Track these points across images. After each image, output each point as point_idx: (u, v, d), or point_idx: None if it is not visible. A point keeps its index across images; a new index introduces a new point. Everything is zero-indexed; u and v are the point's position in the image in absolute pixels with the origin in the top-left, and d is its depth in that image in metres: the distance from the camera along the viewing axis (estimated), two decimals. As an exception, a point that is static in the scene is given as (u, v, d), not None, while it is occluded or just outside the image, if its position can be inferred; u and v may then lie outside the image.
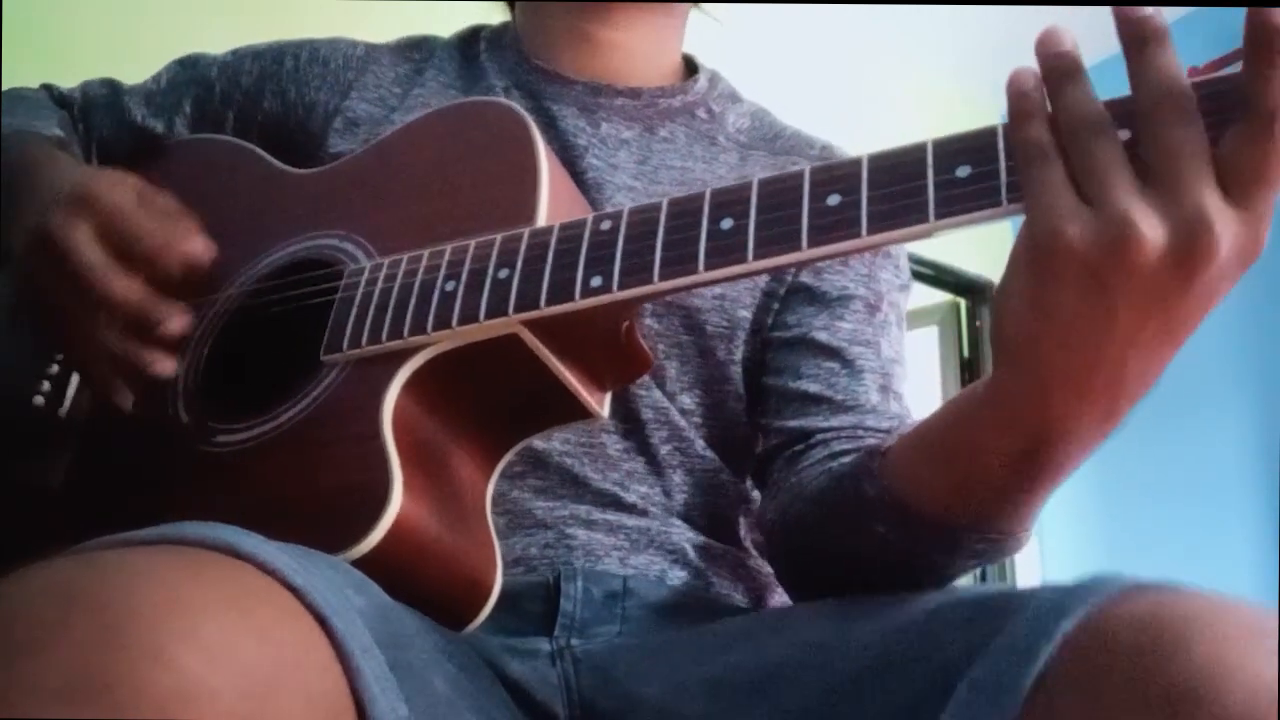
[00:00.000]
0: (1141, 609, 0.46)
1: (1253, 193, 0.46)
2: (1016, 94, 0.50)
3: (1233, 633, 0.43)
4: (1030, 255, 0.50)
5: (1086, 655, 0.46)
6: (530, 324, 0.63)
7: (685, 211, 0.60)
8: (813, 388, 0.77)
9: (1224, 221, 0.46)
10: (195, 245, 0.71)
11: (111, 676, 0.37)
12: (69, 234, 0.68)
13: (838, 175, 0.56)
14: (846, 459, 0.72)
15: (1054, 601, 0.49)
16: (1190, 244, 0.46)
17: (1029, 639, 0.48)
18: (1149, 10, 0.47)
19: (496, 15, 0.95)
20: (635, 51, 0.88)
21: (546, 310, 0.61)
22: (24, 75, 0.94)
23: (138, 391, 0.71)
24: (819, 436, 0.75)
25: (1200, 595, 0.47)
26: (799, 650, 0.62)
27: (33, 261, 0.70)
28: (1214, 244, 0.46)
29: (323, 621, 0.45)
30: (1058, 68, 0.49)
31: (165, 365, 0.69)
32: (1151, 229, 0.46)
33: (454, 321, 0.64)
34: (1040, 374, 0.52)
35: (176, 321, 0.69)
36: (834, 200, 0.55)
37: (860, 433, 0.75)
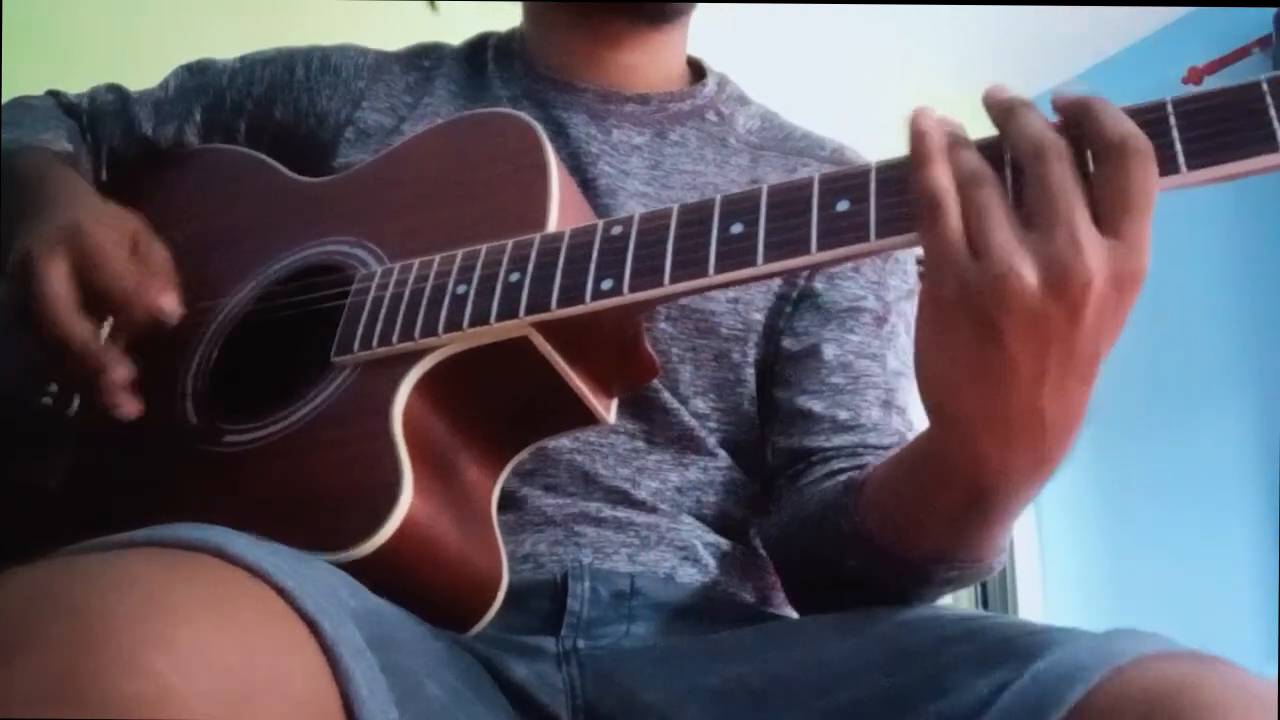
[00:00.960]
0: (1158, 680, 0.47)
1: (1121, 221, 0.48)
2: (917, 134, 0.52)
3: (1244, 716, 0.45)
4: (928, 302, 0.53)
5: None
6: (541, 327, 0.63)
7: (696, 218, 0.61)
8: (816, 406, 0.78)
9: (1095, 250, 0.48)
10: (165, 302, 0.72)
11: (82, 682, 0.38)
12: (46, 265, 0.70)
13: (847, 182, 0.57)
14: (843, 477, 0.73)
15: (1068, 662, 0.50)
16: (1065, 274, 0.48)
17: (1039, 701, 0.48)
18: (1005, 88, 0.52)
19: (497, 16, 0.95)
20: (643, 64, 0.88)
21: (558, 312, 0.62)
22: (25, 76, 0.94)
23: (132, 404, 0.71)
24: (819, 455, 0.77)
25: (1220, 671, 0.48)
26: (804, 669, 0.62)
27: (16, 281, 0.71)
28: (1087, 272, 0.48)
29: (312, 623, 0.44)
30: (949, 132, 0.52)
31: (124, 409, 0.70)
32: (1028, 266, 0.48)
33: (465, 324, 0.64)
34: (962, 424, 0.54)
35: (119, 372, 0.69)
36: (843, 206, 0.56)
37: (861, 451, 0.77)
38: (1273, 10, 2.15)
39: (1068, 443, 0.54)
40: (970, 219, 0.50)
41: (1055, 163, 0.49)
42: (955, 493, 0.58)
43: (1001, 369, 0.51)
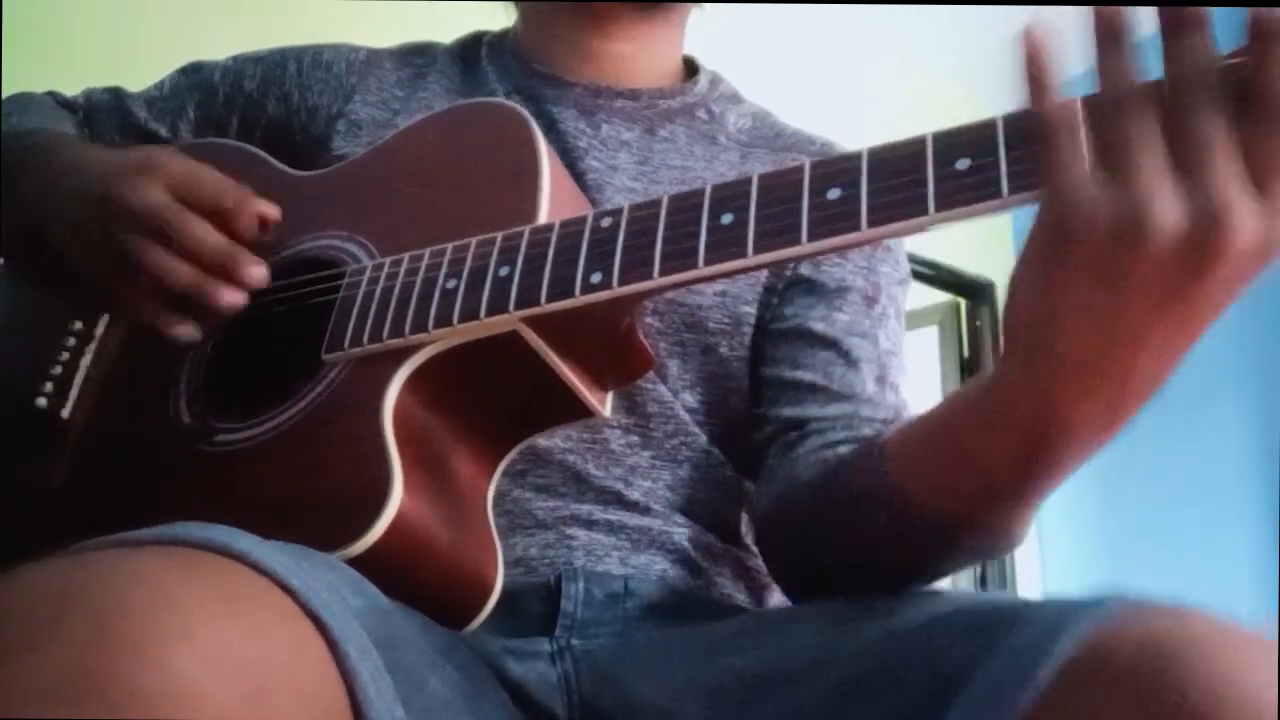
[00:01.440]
0: (1142, 631, 0.46)
1: (1274, 182, 0.45)
2: (1034, 62, 0.48)
3: (1234, 658, 0.43)
4: (1044, 236, 0.48)
5: (1085, 677, 0.46)
6: (531, 321, 0.63)
7: (685, 207, 0.60)
8: (808, 377, 0.77)
9: (1243, 213, 0.45)
10: (267, 205, 0.72)
11: (103, 676, 0.37)
12: (144, 193, 0.69)
13: (837, 169, 0.56)
14: (843, 448, 0.72)
15: (1054, 620, 0.49)
16: (1207, 234, 0.45)
17: (1027, 658, 0.47)
18: None
19: (495, 15, 0.95)
20: (635, 56, 0.88)
21: (547, 307, 0.62)
22: (24, 76, 0.94)
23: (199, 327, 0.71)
24: (814, 425, 0.75)
25: (1202, 618, 0.47)
26: (798, 655, 0.62)
27: (89, 228, 0.70)
28: (1236, 228, 0.45)
29: (319, 622, 0.44)
30: (1110, 32, 0.47)
31: (233, 298, 0.69)
32: (1169, 214, 0.45)
33: (455, 319, 0.64)
34: (1046, 364, 0.51)
35: (256, 270, 0.70)
36: (834, 194, 0.55)
37: (856, 422, 0.75)
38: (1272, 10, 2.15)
39: (1140, 405, 0.52)
40: (1116, 147, 0.46)
41: (1206, 109, 0.45)
42: (1012, 438, 0.54)
43: (1111, 317, 0.48)
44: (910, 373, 0.83)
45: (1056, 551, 2.65)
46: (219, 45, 0.94)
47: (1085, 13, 0.47)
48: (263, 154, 0.85)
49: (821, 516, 0.69)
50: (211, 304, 0.69)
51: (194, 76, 0.92)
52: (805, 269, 0.81)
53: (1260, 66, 0.45)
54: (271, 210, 0.72)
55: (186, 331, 0.71)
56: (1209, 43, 0.46)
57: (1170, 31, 0.46)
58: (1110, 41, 0.47)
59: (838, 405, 0.76)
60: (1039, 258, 0.49)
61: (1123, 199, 0.46)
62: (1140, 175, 0.45)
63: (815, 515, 0.69)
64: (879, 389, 0.78)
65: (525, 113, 0.73)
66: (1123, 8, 0.47)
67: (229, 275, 0.69)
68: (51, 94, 0.93)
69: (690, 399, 0.79)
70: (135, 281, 0.70)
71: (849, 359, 0.78)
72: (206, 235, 0.69)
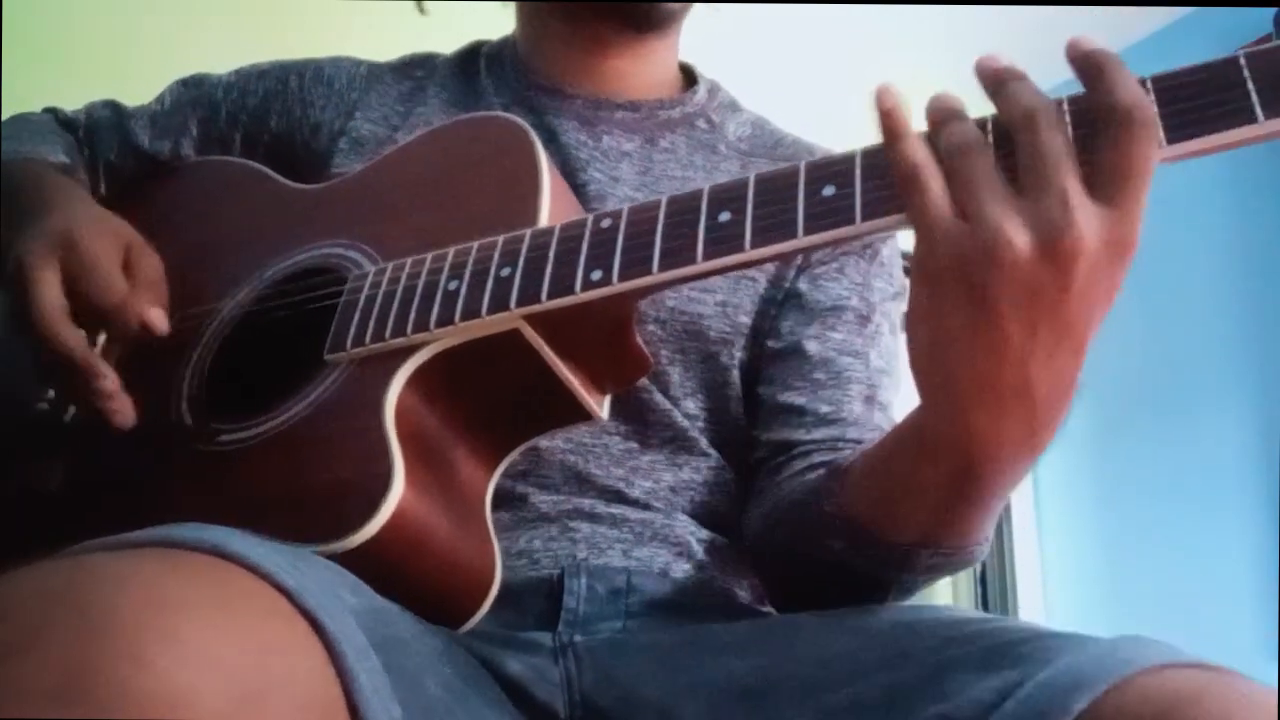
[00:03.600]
0: (1162, 692, 0.47)
1: (1116, 189, 0.48)
2: (882, 112, 0.53)
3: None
4: (919, 272, 0.52)
5: None
6: (532, 319, 0.64)
7: (684, 207, 0.61)
8: (798, 400, 0.79)
9: (1087, 215, 0.48)
10: (153, 315, 0.74)
11: (95, 679, 0.37)
12: (39, 273, 0.71)
13: (832, 168, 0.57)
14: (821, 470, 0.73)
15: (1072, 671, 0.49)
16: (1055, 238, 0.48)
17: (1043, 711, 0.48)
18: (998, 58, 0.52)
19: (490, 23, 0.95)
20: (633, 70, 0.89)
21: (548, 304, 0.62)
22: (25, 80, 0.94)
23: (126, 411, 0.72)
24: (800, 449, 0.77)
25: (1223, 682, 0.48)
26: (803, 666, 0.62)
27: (12, 287, 0.73)
28: (1078, 236, 0.48)
29: (315, 622, 0.44)
30: (939, 108, 0.53)
31: (118, 416, 0.71)
32: (1019, 231, 0.49)
33: (456, 318, 0.64)
34: (950, 394, 0.54)
35: (108, 382, 0.71)
36: (829, 191, 0.57)
37: (841, 445, 0.77)
38: (1273, 10, 2.15)
39: (1058, 417, 0.54)
40: (959, 186, 0.50)
41: (1046, 129, 0.49)
42: (943, 467, 0.58)
43: (992, 338, 0.51)
44: (902, 378, 0.83)
45: (1056, 552, 2.65)
46: (218, 48, 0.94)
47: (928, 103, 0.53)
48: (265, 170, 0.86)
49: (794, 541, 0.71)
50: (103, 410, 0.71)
51: (195, 91, 0.92)
52: (803, 283, 0.82)
53: (1091, 89, 0.50)
54: (158, 322, 0.75)
55: (120, 419, 0.72)
56: (1028, 84, 0.51)
57: (991, 89, 0.52)
58: (939, 113, 0.52)
59: (823, 429, 0.78)
60: (919, 294, 0.53)
61: (975, 230, 0.49)
62: (984, 207, 0.49)
63: (790, 540, 0.72)
64: (866, 409, 0.79)
65: (525, 124, 0.73)
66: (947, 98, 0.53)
67: (83, 387, 0.71)
68: (53, 112, 0.94)
69: (691, 406, 0.80)
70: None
71: (839, 380, 0.79)
72: (62, 343, 0.71)
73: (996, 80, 0.52)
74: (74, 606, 0.40)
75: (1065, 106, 0.51)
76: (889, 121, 0.53)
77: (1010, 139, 0.51)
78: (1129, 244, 0.49)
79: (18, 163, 0.84)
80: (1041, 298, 0.49)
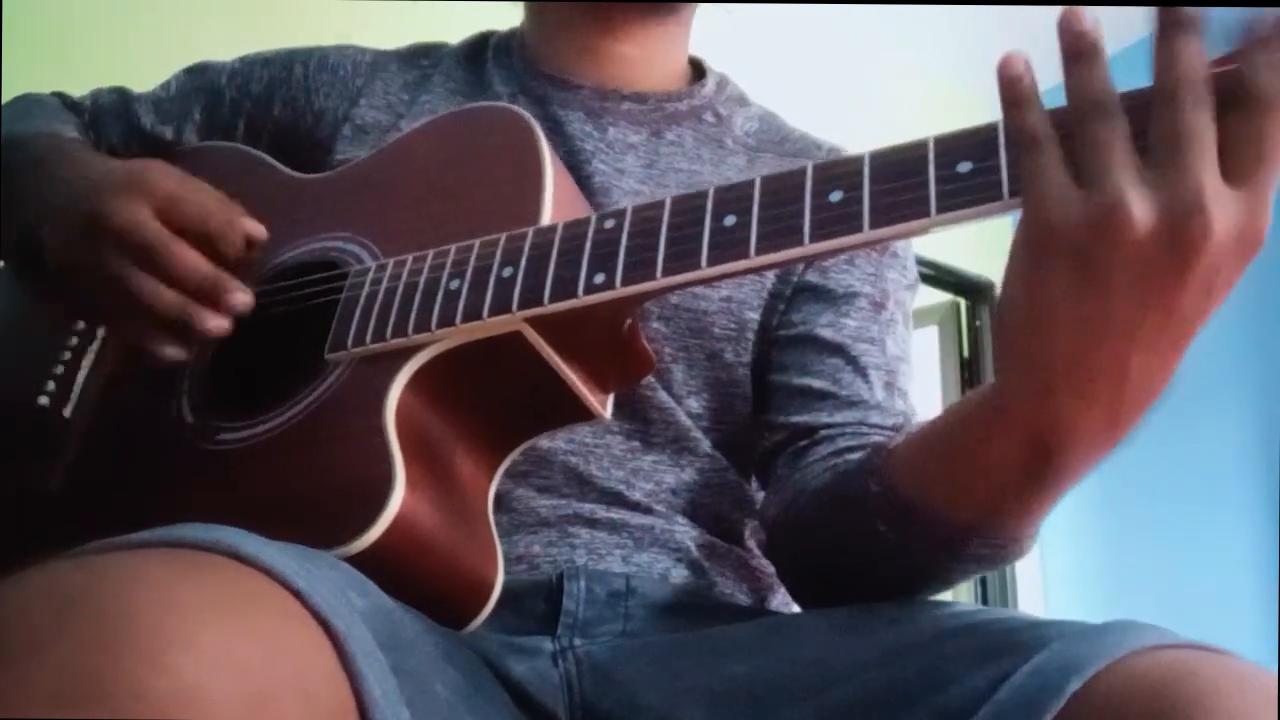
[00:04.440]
0: (1154, 671, 0.47)
1: (1254, 173, 0.46)
2: (1007, 80, 0.50)
3: (1240, 703, 0.44)
4: (1025, 243, 0.50)
5: (1095, 717, 0.46)
6: (533, 321, 0.63)
7: (688, 209, 0.60)
8: (817, 383, 0.77)
9: (1220, 202, 0.45)
10: (254, 224, 0.71)
11: (107, 680, 0.37)
12: (129, 213, 0.68)
13: (840, 172, 0.56)
14: (852, 455, 0.71)
15: (1065, 655, 0.49)
16: (1184, 223, 0.45)
17: (1037, 694, 0.48)
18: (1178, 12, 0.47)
19: (500, 14, 0.95)
20: (642, 59, 0.88)
21: (550, 307, 0.62)
22: (25, 76, 0.94)
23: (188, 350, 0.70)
24: (824, 432, 0.75)
25: (1215, 661, 0.48)
26: (803, 667, 0.62)
27: (79, 244, 0.69)
28: (1208, 225, 0.45)
29: (325, 624, 0.44)
30: (1075, 48, 0.48)
31: (218, 323, 0.68)
32: (1143, 207, 0.46)
33: (458, 319, 0.64)
34: (1041, 371, 0.51)
35: (241, 297, 0.69)
36: (836, 196, 0.56)
37: (865, 429, 0.75)
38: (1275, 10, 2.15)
39: (1144, 409, 0.52)
40: (1086, 147, 0.47)
41: (1191, 108, 0.46)
42: (1015, 450, 0.55)
43: (1097, 316, 0.48)
44: (910, 359, 0.83)
45: (1056, 550, 2.65)
46: (218, 45, 0.94)
47: (1056, 23, 0.49)
48: (265, 157, 0.85)
49: (830, 525, 0.69)
50: (196, 330, 0.68)
51: (200, 78, 0.91)
52: (812, 275, 0.81)
53: (1246, 64, 0.46)
54: (258, 230, 0.71)
55: (173, 353, 0.69)
56: (1196, 44, 0.47)
57: (1161, 34, 0.47)
58: (1075, 56, 0.48)
59: (846, 412, 0.76)
60: (1024, 264, 0.50)
61: (1095, 198, 0.47)
62: (1108, 176, 0.46)
63: (824, 524, 0.69)
64: (887, 395, 0.78)
65: (529, 116, 0.73)
66: (1086, 29, 0.48)
67: (213, 302, 0.68)
68: (58, 95, 0.93)
69: (694, 404, 0.79)
70: (122, 302, 0.69)
71: (857, 365, 0.78)
72: (190, 261, 0.68)
73: (1171, 23, 0.47)
74: (88, 608, 0.40)
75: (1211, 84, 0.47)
76: (1014, 90, 0.49)
77: (1143, 108, 0.48)
78: (1259, 237, 0.46)
79: (33, 137, 0.82)
80: (1155, 279, 0.47)
